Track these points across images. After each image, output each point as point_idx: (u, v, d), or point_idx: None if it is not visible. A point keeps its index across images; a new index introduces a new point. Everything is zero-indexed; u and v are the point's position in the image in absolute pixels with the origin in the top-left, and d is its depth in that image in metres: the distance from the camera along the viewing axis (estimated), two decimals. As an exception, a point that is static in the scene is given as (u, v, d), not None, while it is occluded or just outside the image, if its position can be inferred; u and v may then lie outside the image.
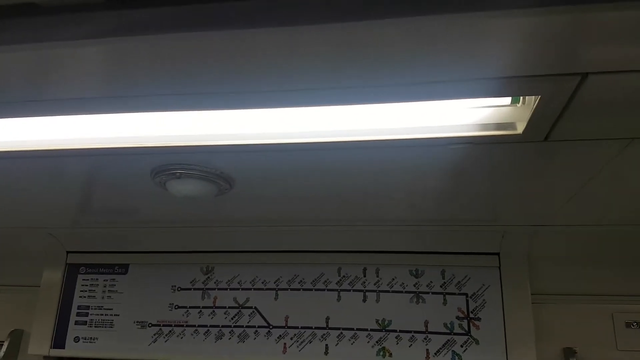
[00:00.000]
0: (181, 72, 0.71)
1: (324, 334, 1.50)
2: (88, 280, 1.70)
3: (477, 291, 1.48)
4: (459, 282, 1.50)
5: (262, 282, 1.59)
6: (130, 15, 0.63)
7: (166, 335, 1.58)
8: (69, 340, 1.63)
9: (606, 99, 0.73)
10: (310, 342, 1.50)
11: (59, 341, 1.63)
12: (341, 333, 1.50)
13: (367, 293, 1.53)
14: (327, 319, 1.52)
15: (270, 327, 1.54)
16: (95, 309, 1.66)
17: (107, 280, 1.69)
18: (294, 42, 0.64)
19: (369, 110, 0.87)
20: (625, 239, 1.42)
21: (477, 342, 1.44)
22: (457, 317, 1.47)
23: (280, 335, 1.52)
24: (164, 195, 1.13)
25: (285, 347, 1.51)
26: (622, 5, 0.56)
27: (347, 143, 0.91)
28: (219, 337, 1.55)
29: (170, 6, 0.62)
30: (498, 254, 1.50)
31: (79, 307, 1.67)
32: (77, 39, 0.65)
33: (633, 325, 1.48)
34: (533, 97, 0.75)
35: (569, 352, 1.47)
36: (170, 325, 1.59)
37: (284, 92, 0.75)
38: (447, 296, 1.49)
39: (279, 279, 1.58)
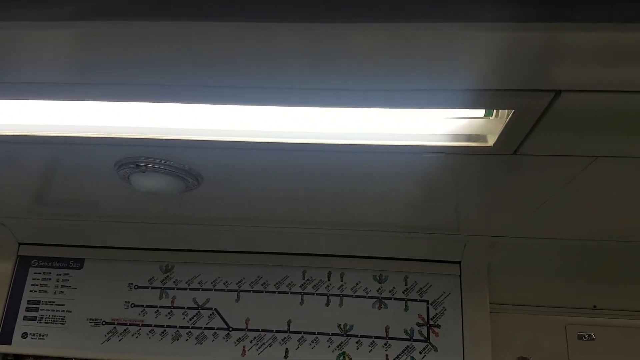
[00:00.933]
0: (154, 62, 0.68)
1: (284, 338, 1.49)
2: (40, 273, 1.63)
3: (438, 298, 1.50)
4: (421, 288, 1.52)
5: (224, 283, 1.56)
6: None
7: (120, 334, 1.53)
8: (16, 336, 1.56)
9: (576, 116, 0.75)
10: (270, 345, 1.48)
11: (5, 337, 1.56)
12: (302, 337, 1.48)
13: (330, 297, 1.53)
14: (289, 322, 1.50)
15: (230, 329, 1.51)
16: (47, 304, 1.59)
17: (60, 274, 1.63)
18: (273, 39, 0.62)
19: (344, 114, 0.86)
20: (581, 253, 1.47)
21: (435, 349, 1.45)
22: (417, 324, 1.48)
23: (239, 338, 1.50)
24: (127, 189, 1.09)
25: (244, 350, 1.48)
26: (598, 27, 0.58)
27: (321, 145, 0.90)
28: (176, 338, 1.51)
29: None
30: (460, 262, 1.52)
31: (29, 302, 1.60)
32: (44, 21, 0.62)
33: (585, 337, 1.53)
34: (506, 110, 0.76)
35: (523, 361, 1.51)
36: (125, 324, 1.54)
37: (261, 90, 0.73)
38: (408, 302, 1.51)
39: (241, 280, 1.55)
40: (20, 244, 1.65)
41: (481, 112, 0.81)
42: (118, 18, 0.61)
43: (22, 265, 1.64)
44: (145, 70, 0.70)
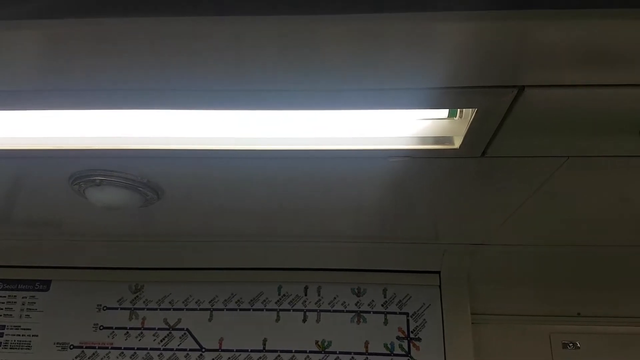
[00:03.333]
0: (113, 61, 0.64)
1: (260, 357, 1.43)
2: (5, 297, 1.57)
3: (418, 310, 1.46)
4: (400, 300, 1.47)
5: (196, 302, 1.50)
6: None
7: (89, 357, 1.47)
8: (-20, 364, 1.49)
9: (543, 114, 0.72)
10: (245, 365, 1.43)
11: (-32, 364, 1.49)
12: (279, 356, 1.43)
13: (307, 313, 1.47)
14: (265, 340, 1.45)
15: (203, 350, 1.45)
16: (12, 328, 1.52)
17: (26, 297, 1.56)
18: (236, 33, 0.58)
19: (307, 117, 0.83)
20: (563, 259, 1.44)
21: (416, 364, 1.41)
22: (398, 337, 1.43)
23: (213, 359, 1.44)
24: (86, 204, 1.05)
25: (218, 371, 1.43)
26: (561, 15, 0.54)
27: (285, 152, 0.87)
28: (147, 360, 1.45)
29: None
30: (439, 272, 1.49)
31: (-7, 327, 1.53)
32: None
33: (570, 346, 1.49)
34: (470, 110, 0.73)
35: (507, 372, 1.47)
36: (94, 347, 1.48)
37: (223, 92, 0.70)
38: (388, 315, 1.46)
39: (214, 298, 1.50)
40: (-17, 266, 1.59)
41: (445, 113, 0.78)
42: (76, 16, 0.57)
43: (-14, 288, 1.57)
44: (103, 73, 0.66)
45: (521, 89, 0.66)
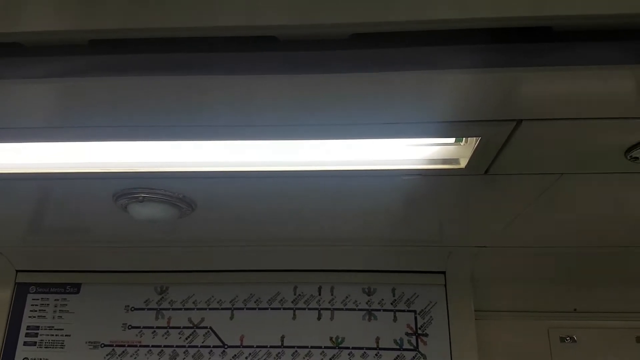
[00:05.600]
0: (142, 109, 0.75)
1: (278, 353, 1.53)
2: (38, 299, 1.66)
3: (425, 308, 1.56)
4: (408, 299, 1.58)
5: (218, 302, 1.60)
6: (97, 58, 0.67)
7: (119, 355, 1.57)
8: (17, 362, 1.59)
9: (538, 141, 0.82)
10: (264, 360, 1.53)
11: (5, 363, 1.59)
12: (296, 351, 1.53)
13: (321, 311, 1.58)
14: (282, 337, 1.55)
15: (225, 346, 1.56)
16: (46, 329, 1.62)
17: (58, 299, 1.66)
18: (256, 90, 0.69)
19: (332, 143, 0.93)
20: (560, 259, 1.53)
21: (424, 357, 1.51)
22: (406, 334, 1.54)
23: (235, 355, 1.54)
24: (123, 216, 1.15)
25: (239, 366, 1.53)
26: (549, 68, 0.65)
27: (310, 172, 0.96)
28: (173, 357, 1.55)
29: (136, 53, 0.66)
30: (444, 272, 1.59)
31: (28, 328, 1.63)
32: (47, 77, 0.68)
33: (567, 340, 1.59)
34: (474, 138, 0.84)
35: (508, 366, 1.57)
36: (124, 346, 1.58)
37: (259, 127, 0.80)
38: (397, 313, 1.56)
39: (234, 298, 1.60)
40: (17, 271, 1.68)
41: (452, 139, 0.88)
42: (110, 75, 0.68)
43: (20, 292, 1.67)
44: (135, 115, 0.77)
45: (519, 121, 0.76)
